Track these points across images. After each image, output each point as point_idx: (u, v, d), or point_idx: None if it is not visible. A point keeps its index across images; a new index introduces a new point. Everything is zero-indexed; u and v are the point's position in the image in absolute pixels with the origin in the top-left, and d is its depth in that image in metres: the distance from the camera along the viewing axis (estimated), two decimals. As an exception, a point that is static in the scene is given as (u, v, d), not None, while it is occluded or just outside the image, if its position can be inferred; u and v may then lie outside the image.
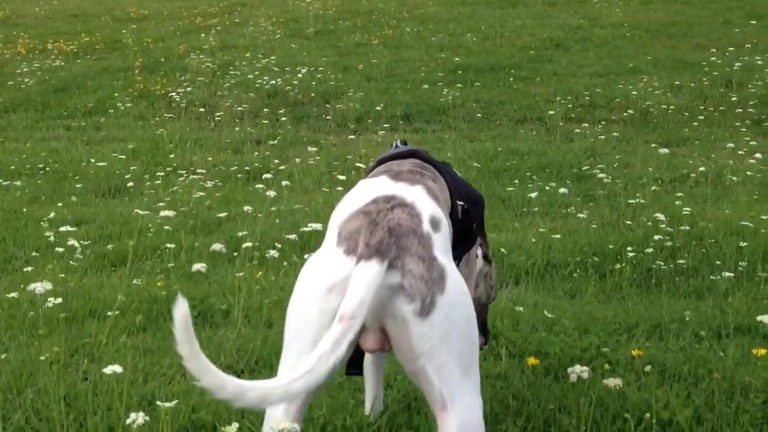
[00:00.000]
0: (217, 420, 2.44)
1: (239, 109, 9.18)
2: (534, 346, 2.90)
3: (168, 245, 4.36)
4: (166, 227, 4.80)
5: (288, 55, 11.83)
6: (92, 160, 7.06)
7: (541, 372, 2.68)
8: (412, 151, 2.10)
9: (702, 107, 8.90)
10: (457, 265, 1.90)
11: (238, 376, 2.92)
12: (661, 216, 4.65)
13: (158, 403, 1.90)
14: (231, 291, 3.71)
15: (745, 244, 4.21)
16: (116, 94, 10.05)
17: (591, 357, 2.82)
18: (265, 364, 3.01)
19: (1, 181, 6.50)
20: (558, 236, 4.48)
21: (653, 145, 7.44)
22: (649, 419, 2.10)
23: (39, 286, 2.49)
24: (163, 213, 4.59)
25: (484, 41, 12.44)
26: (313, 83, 10.13)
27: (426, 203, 1.75)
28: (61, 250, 4.32)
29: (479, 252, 2.30)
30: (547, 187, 5.74)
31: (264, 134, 8.30)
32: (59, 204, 5.76)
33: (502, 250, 4.33)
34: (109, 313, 3.10)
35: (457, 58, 11.28)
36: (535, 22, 13.62)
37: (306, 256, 3.91)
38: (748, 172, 6.15)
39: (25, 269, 4.03)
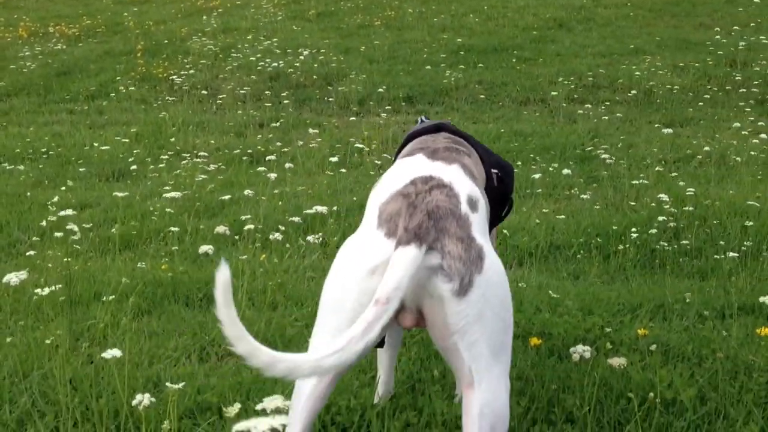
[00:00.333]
0: (222, 401, 2.45)
1: (241, 91, 9.16)
2: (538, 327, 2.90)
3: (172, 228, 4.37)
4: (169, 210, 4.80)
5: (290, 38, 11.79)
6: (95, 144, 7.06)
7: (545, 352, 2.68)
8: (441, 124, 2.12)
9: (706, 87, 8.86)
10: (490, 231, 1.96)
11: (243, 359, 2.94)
12: (664, 197, 4.64)
13: (167, 384, 1.91)
14: (235, 274, 3.71)
15: (749, 223, 4.20)
16: (118, 78, 10.03)
17: (594, 337, 2.83)
18: (269, 346, 3.02)
19: (5, 165, 6.51)
20: (562, 217, 4.48)
21: (657, 126, 7.41)
22: (653, 399, 2.11)
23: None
24: (167, 194, 4.61)
25: (486, 22, 12.38)
26: (315, 65, 10.10)
27: (463, 183, 1.77)
28: (64, 234, 4.33)
29: None
30: (550, 168, 5.73)
31: (266, 117, 8.29)
32: (63, 188, 5.77)
33: (506, 231, 4.32)
34: (111, 296, 3.11)
35: (459, 39, 11.23)
36: (538, 2, 13.53)
37: (309, 238, 3.92)
38: (752, 152, 6.13)
39: (28, 253, 4.04)
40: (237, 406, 1.61)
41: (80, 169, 6.38)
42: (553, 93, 8.74)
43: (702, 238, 4.19)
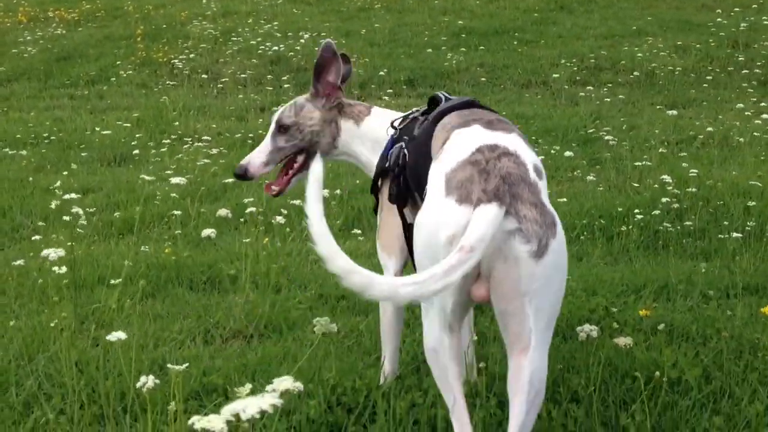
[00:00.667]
0: (227, 383, 2.46)
1: (242, 75, 9.13)
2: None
3: (175, 212, 4.37)
4: (173, 194, 4.80)
5: (290, 21, 11.73)
6: (97, 129, 7.04)
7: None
8: (469, 101, 2.15)
9: (708, 68, 8.82)
10: None
11: (248, 341, 2.95)
12: (668, 178, 4.63)
13: (169, 366, 1.92)
14: (238, 257, 3.72)
15: (752, 204, 4.19)
16: (118, 62, 10.00)
17: (599, 318, 2.83)
18: (274, 329, 3.03)
19: (6, 150, 6.50)
20: (564, 199, 4.47)
21: (659, 107, 7.39)
22: (658, 378, 2.11)
23: (51, 252, 2.51)
24: (173, 180, 4.59)
25: (487, 4, 12.31)
26: (316, 49, 10.03)
27: (527, 151, 1.81)
28: (68, 218, 4.33)
29: None
30: (552, 151, 5.71)
31: (268, 101, 8.26)
32: (65, 173, 5.77)
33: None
34: (116, 280, 3.11)
35: (460, 22, 11.18)
36: (540, -17, 13.46)
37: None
38: (755, 133, 6.12)
39: (33, 237, 4.05)
40: (248, 387, 1.62)
41: (82, 154, 6.38)
42: (555, 75, 8.71)
43: (705, 218, 4.18)
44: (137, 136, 6.76)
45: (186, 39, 10.86)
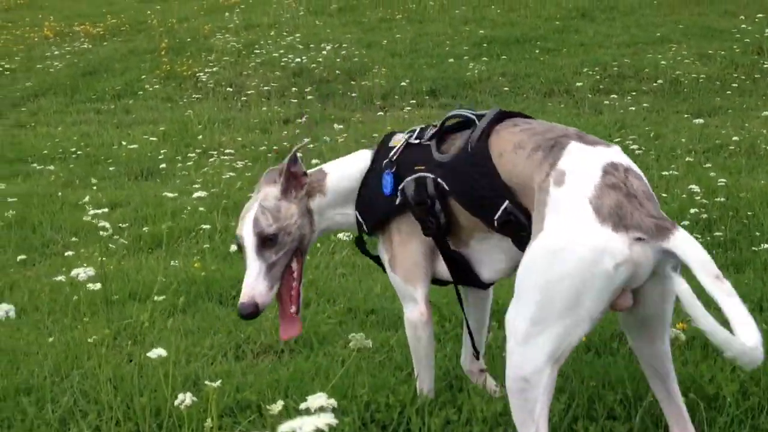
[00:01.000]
0: (261, 399, 2.47)
1: (266, 88, 9.18)
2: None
3: (203, 226, 4.40)
4: (201, 208, 4.84)
5: (312, 33, 11.80)
6: (123, 143, 7.12)
7: (582, 348, 2.67)
8: (504, 112, 2.13)
9: (733, 75, 8.75)
10: None
11: (279, 357, 2.96)
12: (695, 188, 4.59)
13: (206, 382, 1.93)
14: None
15: (783, 214, 4.15)
16: (144, 76, 10.10)
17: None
18: (304, 344, 3.04)
19: (35, 166, 6.58)
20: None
21: (685, 116, 7.34)
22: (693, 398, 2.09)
23: (81, 272, 2.54)
24: (196, 195, 4.63)
25: (508, 13, 12.31)
26: (338, 60, 10.10)
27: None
28: (99, 233, 4.38)
29: None
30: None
31: (291, 113, 8.31)
32: (93, 187, 5.83)
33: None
34: (152, 296, 3.14)
35: (481, 31, 11.18)
36: (560, -9, 13.43)
37: (339, 235, 3.89)
38: (783, 141, 6.06)
39: (66, 253, 4.09)
40: (280, 404, 1.62)
41: (109, 169, 6.44)
42: (578, 84, 8.68)
43: (735, 229, 4.14)
44: (162, 151, 6.81)
45: (209, 52, 10.96)
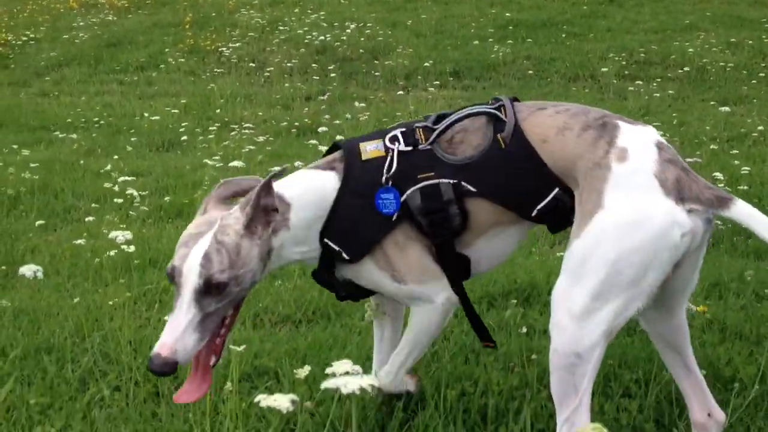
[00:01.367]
0: (278, 366, 2.49)
1: (288, 64, 9.18)
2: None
3: (223, 198, 4.41)
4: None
5: (336, 11, 11.76)
6: (146, 114, 7.15)
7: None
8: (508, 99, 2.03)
9: (761, 65, 8.64)
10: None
11: (296, 326, 2.98)
12: (719, 175, 4.55)
13: (230, 346, 1.95)
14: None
15: (807, 204, 4.10)
16: (167, 49, 10.12)
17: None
18: (322, 315, 3.05)
19: (57, 134, 6.63)
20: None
21: (711, 104, 7.26)
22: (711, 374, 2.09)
23: (120, 235, 2.58)
24: (218, 164, 4.64)
25: (535, -4, 12.21)
26: (362, 39, 10.07)
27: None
28: (119, 200, 4.42)
29: None
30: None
31: (313, 90, 8.30)
32: (115, 157, 5.86)
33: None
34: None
35: (508, 14, 11.10)
36: (589, -24, 13.29)
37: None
38: (810, 132, 5.98)
39: (87, 218, 4.13)
40: (306, 369, 1.64)
41: (131, 139, 6.47)
42: (603, 69, 8.61)
43: (758, 217, 4.10)
44: (184, 123, 6.84)
45: (233, 27, 10.96)
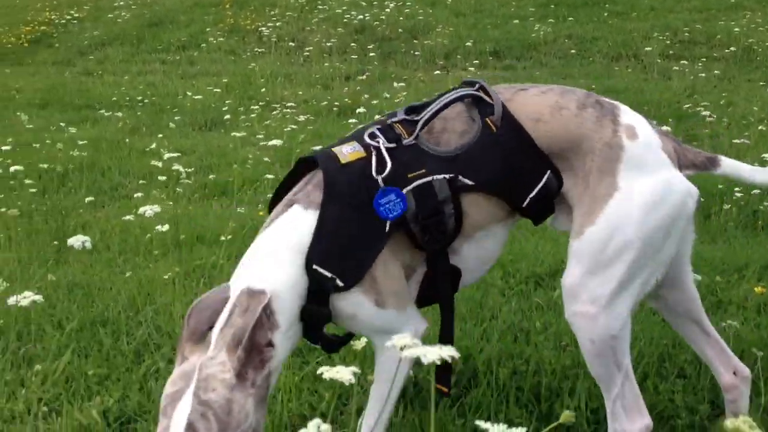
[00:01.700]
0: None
1: (328, 44, 9.18)
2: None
3: (267, 176, 4.45)
4: (265, 159, 4.89)
5: (375, -10, 11.72)
6: (188, 94, 7.21)
7: (651, 309, 2.65)
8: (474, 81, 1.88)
9: (811, 44, 8.44)
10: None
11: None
12: (768, 156, 4.47)
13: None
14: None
15: None
16: (208, 29, 10.19)
17: (702, 296, 2.76)
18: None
19: (103, 112, 6.72)
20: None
21: (760, 84, 7.12)
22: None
23: (149, 209, 2.60)
24: (263, 143, 4.67)
25: (577, -25, 12.03)
26: (401, 18, 10.03)
27: None
28: (164, 178, 4.47)
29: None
30: (647, 126, 5.57)
31: (353, 70, 8.30)
32: (159, 135, 5.93)
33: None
34: (222, 237, 3.20)
35: (548, -8, 10.96)
36: (632, -46, 13.05)
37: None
38: None
39: (136, 195, 4.19)
40: (363, 341, 1.65)
41: (175, 118, 6.54)
42: (647, 48, 8.48)
43: (808, 199, 4.03)
44: (227, 101, 6.89)
45: (273, 7, 10.98)
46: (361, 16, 10.03)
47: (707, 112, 5.73)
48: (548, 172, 1.75)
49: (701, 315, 1.97)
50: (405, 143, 1.72)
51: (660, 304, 1.98)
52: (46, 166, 4.79)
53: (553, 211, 1.82)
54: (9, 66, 9.27)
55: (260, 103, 6.87)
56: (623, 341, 1.73)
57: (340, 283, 1.64)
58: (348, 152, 1.71)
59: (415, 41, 9.29)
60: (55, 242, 3.68)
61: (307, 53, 9.00)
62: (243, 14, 10.61)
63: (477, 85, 1.80)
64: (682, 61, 8.07)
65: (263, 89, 7.42)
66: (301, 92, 7.38)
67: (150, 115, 6.71)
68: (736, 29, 8.81)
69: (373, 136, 1.73)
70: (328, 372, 1.40)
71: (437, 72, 8.14)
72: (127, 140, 5.81)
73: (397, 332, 1.56)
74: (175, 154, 4.00)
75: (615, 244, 1.69)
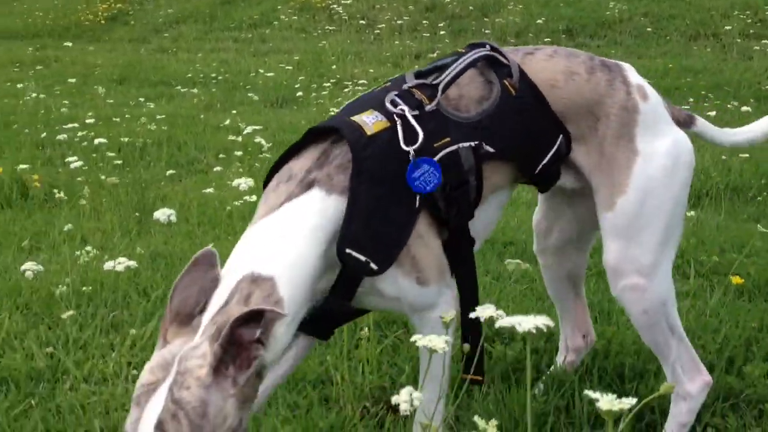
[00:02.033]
0: (404, 315, 2.53)
1: (398, 22, 9.16)
2: (724, 267, 2.79)
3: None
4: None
5: (445, -33, 11.62)
6: (260, 71, 7.30)
7: (734, 293, 2.59)
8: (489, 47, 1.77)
9: None
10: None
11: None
12: None
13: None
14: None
15: None
16: (279, 7, 10.27)
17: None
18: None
19: (179, 89, 6.86)
20: (746, 155, 4.25)
21: None
22: None
23: (243, 182, 2.65)
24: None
25: (653, -49, 11.70)
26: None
27: None
28: (239, 153, 4.55)
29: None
30: (729, 106, 5.42)
31: (423, 48, 8.27)
32: (233, 111, 6.03)
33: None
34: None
35: (624, -31, 10.70)
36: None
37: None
38: None
39: (216, 168, 4.27)
40: (452, 312, 1.65)
41: (248, 95, 6.63)
42: (726, 27, 8.21)
43: None
44: (300, 78, 6.95)
45: (343, -16, 10.99)
46: (432, -6, 9.98)
47: (792, 94, 5.54)
48: (560, 136, 1.69)
49: (582, 278, 2.04)
50: (427, 109, 1.57)
51: (555, 270, 1.99)
52: (126, 139, 4.92)
53: (558, 178, 1.75)
54: (87, 43, 9.52)
55: (331, 81, 6.91)
56: (672, 304, 1.73)
57: (373, 266, 1.49)
58: (372, 122, 1.53)
59: (485, 19, 9.20)
60: (137, 214, 3.79)
61: (378, 31, 9.00)
62: (313, -8, 10.68)
63: (487, 47, 1.68)
64: (763, 41, 7.80)
65: (334, 67, 7.46)
66: (371, 70, 7.40)
67: (224, 92, 6.82)
68: (823, 7, 8.48)
69: (394, 103, 1.55)
70: (421, 340, 1.41)
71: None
72: (202, 116, 5.92)
73: (436, 305, 1.59)
74: (258, 127, 4.05)
75: (648, 209, 1.67)
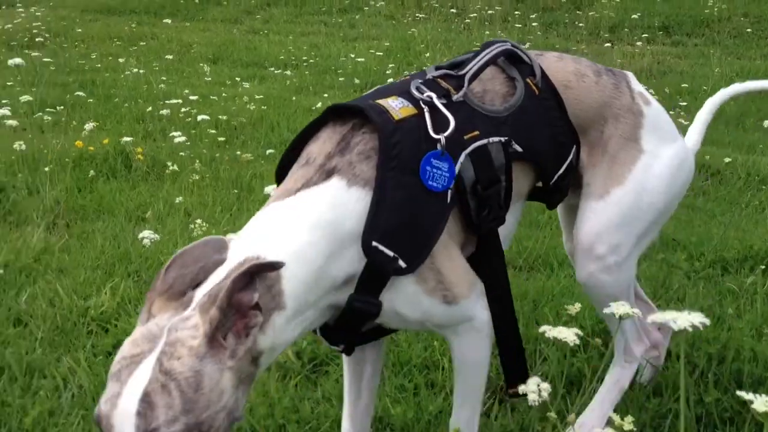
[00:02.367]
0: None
1: (489, 12, 9.08)
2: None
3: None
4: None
5: (538, -42, 11.45)
6: (351, 56, 7.33)
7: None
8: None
9: None
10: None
11: (517, 272, 2.99)
12: None
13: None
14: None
15: None
16: (369, -7, 10.31)
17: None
18: (543, 263, 3.04)
19: (272, 70, 6.95)
20: None
21: None
22: None
23: None
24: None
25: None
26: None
27: None
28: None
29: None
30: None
31: (513, 39, 8.16)
32: (324, 95, 6.08)
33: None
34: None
35: (725, -34, 10.35)
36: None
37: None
38: None
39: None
40: (577, 305, 1.64)
41: (339, 79, 6.68)
42: (834, 30, 7.87)
43: None
44: (390, 65, 6.96)
45: (434, -27, 10.95)
46: (523, -15, 9.86)
47: None
48: (574, 147, 1.65)
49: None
50: (454, 99, 1.47)
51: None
52: (224, 117, 5.02)
53: (566, 194, 1.72)
54: (182, 21, 9.74)
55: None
56: (630, 290, 1.80)
57: (402, 263, 1.35)
58: (398, 107, 1.41)
59: (578, 12, 9.04)
60: (235, 191, 3.87)
61: (468, 21, 8.94)
62: (403, -21, 10.66)
63: (508, 43, 1.61)
64: None
65: (428, 54, 7.45)
66: (461, 59, 7.36)
67: (314, 75, 6.88)
68: None
69: (420, 90, 1.45)
70: (550, 331, 1.40)
71: (606, 45, 7.88)
72: (294, 98, 5.98)
73: (473, 317, 1.47)
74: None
75: (642, 204, 1.71)
